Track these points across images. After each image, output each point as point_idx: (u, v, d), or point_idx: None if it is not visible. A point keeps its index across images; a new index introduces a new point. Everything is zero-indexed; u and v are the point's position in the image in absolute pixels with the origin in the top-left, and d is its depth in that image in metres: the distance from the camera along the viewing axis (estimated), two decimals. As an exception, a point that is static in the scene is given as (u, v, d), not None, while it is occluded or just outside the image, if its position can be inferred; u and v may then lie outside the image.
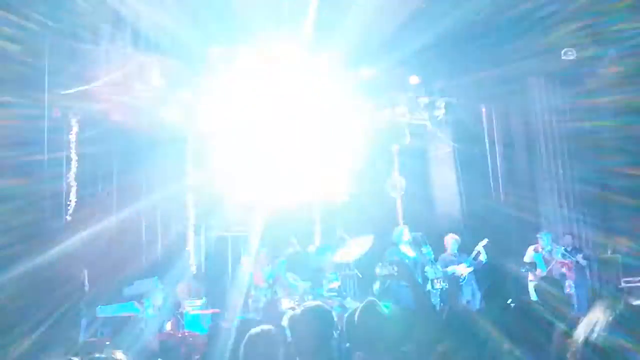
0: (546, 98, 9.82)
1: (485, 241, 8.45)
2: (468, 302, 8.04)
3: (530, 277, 8.53)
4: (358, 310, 3.39)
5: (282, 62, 9.10)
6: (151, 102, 8.72)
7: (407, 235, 8.02)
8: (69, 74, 7.72)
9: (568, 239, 8.91)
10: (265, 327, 3.20)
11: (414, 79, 9.72)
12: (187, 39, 8.00)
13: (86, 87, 8.07)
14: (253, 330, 3.17)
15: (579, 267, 8.71)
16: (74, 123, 8.59)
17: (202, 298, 8.34)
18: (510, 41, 8.62)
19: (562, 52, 8.68)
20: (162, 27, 7.72)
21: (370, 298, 3.53)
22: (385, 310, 3.42)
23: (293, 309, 6.73)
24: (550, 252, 8.63)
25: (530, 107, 9.89)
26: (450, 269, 8.26)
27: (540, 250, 8.69)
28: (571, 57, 8.61)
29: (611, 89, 8.93)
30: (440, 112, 9.98)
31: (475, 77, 9.29)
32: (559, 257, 8.64)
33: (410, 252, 7.93)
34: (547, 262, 8.62)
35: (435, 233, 8.62)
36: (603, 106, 9.28)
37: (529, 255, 8.70)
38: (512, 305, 4.34)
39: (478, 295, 8.37)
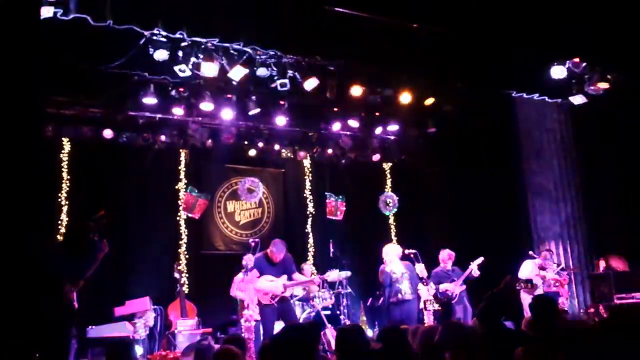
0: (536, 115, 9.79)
1: (481, 259, 8.37)
2: (459, 319, 7.96)
3: (525, 293, 8.50)
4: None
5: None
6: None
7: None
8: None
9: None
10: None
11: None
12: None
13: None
14: None
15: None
16: (65, 143, 8.62)
17: (194, 318, 8.30)
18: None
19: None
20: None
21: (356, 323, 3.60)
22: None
23: None
24: (544, 268, 8.61)
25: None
26: (442, 287, 8.20)
27: (534, 266, 8.66)
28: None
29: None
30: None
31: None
32: (553, 274, 8.62)
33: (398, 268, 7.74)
34: (541, 278, 8.60)
35: (427, 249, 8.56)
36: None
37: (524, 270, 8.66)
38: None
39: (470, 311, 8.31)
